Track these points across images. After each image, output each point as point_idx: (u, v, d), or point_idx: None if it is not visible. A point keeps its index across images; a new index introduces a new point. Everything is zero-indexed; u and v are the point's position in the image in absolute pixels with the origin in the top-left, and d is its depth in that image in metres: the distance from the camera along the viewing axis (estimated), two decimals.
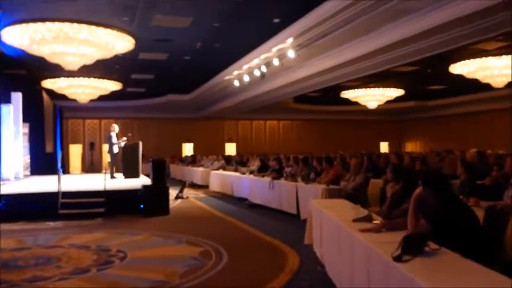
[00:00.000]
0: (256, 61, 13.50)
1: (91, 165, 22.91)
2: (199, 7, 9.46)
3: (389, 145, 26.82)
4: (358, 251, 3.61)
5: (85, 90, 16.24)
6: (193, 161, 20.04)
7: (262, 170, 12.05)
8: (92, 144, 23.02)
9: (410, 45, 10.42)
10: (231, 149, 25.33)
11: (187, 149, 25.18)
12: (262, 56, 12.98)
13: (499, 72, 13.63)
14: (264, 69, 13.38)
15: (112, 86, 16.95)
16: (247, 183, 11.90)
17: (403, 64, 12.77)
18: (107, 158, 23.62)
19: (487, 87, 14.94)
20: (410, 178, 4.29)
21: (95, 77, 15.84)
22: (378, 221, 4.16)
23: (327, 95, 20.50)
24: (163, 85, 18.98)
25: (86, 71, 13.87)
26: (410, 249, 2.89)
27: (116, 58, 12.51)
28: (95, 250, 6.57)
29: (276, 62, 12.47)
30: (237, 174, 13.34)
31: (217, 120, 25.07)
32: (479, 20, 8.43)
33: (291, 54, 11.64)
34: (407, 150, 23.59)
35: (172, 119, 23.97)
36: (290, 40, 11.25)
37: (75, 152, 23.74)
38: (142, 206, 9.70)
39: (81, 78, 15.56)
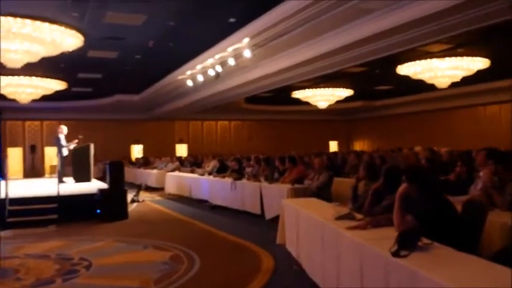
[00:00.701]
0: (210, 61, 13.39)
1: (32, 169, 21.88)
2: (153, 5, 9.23)
3: (338, 144, 27.45)
4: (347, 248, 3.65)
5: (26, 89, 15.35)
6: (145, 163, 19.62)
7: (220, 171, 11.98)
8: (33, 147, 21.98)
9: (364, 47, 10.65)
10: (181, 150, 25.02)
11: (137, 151, 24.62)
12: (217, 56, 12.90)
13: (442, 73, 14.26)
14: (219, 69, 13.29)
15: (56, 85, 16.13)
16: (207, 185, 11.78)
17: (354, 65, 13.12)
18: (49, 162, 22.83)
19: (431, 87, 15.57)
20: (391, 175, 4.38)
21: (37, 76, 15.06)
22: (359, 218, 4.24)
23: (278, 95, 20.68)
24: (112, 85, 18.42)
25: (28, 69, 13.11)
26: (407, 245, 2.97)
27: (62, 56, 11.94)
28: (55, 259, 6.21)
29: (231, 61, 12.41)
30: (195, 175, 13.17)
31: (168, 121, 24.68)
32: (432, 23, 8.76)
33: (247, 54, 11.62)
34: (355, 149, 24.23)
35: (120, 120, 23.33)
36: (246, 40, 11.24)
37: (15, 155, 22.56)
38: (99, 210, 9.34)
39: (21, 77, 14.70)
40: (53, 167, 22.83)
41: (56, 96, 17.72)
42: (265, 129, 26.38)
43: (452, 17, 8.19)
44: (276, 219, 8.23)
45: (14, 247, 7.10)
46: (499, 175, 4.51)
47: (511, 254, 2.99)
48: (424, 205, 3.52)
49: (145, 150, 24.12)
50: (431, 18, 8.36)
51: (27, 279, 5.29)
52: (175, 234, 7.97)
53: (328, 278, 4.18)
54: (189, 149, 24.83)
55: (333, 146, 27.34)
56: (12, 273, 5.53)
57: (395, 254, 2.88)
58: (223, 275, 5.38)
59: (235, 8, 9.59)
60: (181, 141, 25.38)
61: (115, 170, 9.76)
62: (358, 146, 26.23)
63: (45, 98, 17.08)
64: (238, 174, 10.39)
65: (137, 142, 24.57)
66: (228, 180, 10.48)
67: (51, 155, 22.85)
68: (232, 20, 10.28)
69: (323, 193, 7.63)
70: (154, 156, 21.43)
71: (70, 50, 11.29)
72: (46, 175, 21.86)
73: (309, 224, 4.82)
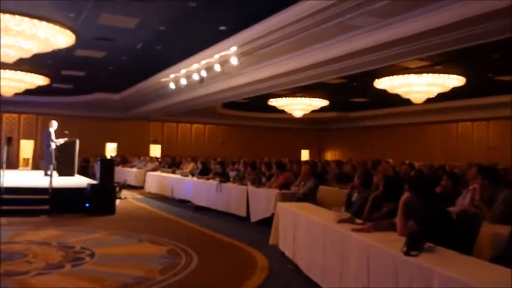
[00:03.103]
0: (196, 66, 13.61)
1: (7, 161, 21.46)
2: (149, 9, 9.43)
3: (310, 153, 28.02)
4: (354, 249, 4.00)
5: (10, 83, 15.27)
6: (123, 161, 19.59)
7: (203, 173, 12.21)
8: (9, 139, 21.55)
9: (346, 62, 11.08)
10: (155, 150, 25.02)
11: (111, 149, 24.49)
12: (204, 61, 13.13)
13: (419, 89, 14.89)
14: (203, 73, 13.50)
15: (40, 81, 16.09)
16: (191, 186, 11.98)
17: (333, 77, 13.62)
18: (24, 154, 22.51)
19: (406, 102, 16.20)
20: (390, 184, 4.78)
21: (22, 71, 14.96)
22: (359, 222, 4.61)
23: (254, 102, 21.02)
24: (93, 83, 18.35)
25: (15, 63, 13.08)
26: (415, 246, 3.34)
27: (51, 53, 11.99)
28: (58, 247, 6.45)
29: (217, 67, 12.62)
30: (178, 176, 13.35)
31: (143, 121, 24.67)
32: (413, 42, 9.28)
33: (234, 61, 11.86)
34: (327, 158, 24.80)
35: (96, 118, 23.17)
36: (234, 48, 11.52)
37: None
38: (87, 204, 9.54)
39: (7, 70, 14.61)
40: (26, 160, 22.60)
41: (35, 90, 17.58)
42: (239, 135, 26.70)
43: (432, 38, 8.72)
44: (260, 222, 8.61)
45: (14, 234, 7.29)
46: (485, 189, 4.98)
47: (505, 260, 3.38)
48: (425, 212, 3.91)
49: (119, 149, 24.03)
50: (412, 38, 8.88)
51: (38, 262, 5.53)
52: (166, 230, 8.19)
53: (329, 277, 4.51)
54: (163, 150, 24.88)
55: (305, 154, 27.88)
56: (20, 257, 5.76)
57: (407, 254, 3.25)
58: (221, 270, 5.65)
59: (227, 17, 9.86)
60: (155, 142, 25.39)
61: (106, 167, 10.02)
62: (330, 156, 26.84)
63: (24, 91, 16.94)
64: (223, 177, 10.65)
65: (112, 140, 24.45)
66: (213, 182, 10.72)
67: (26, 148, 22.64)
68: (222, 28, 10.56)
69: (308, 199, 7.99)
70: (129, 155, 21.45)
71: (61, 47, 11.35)
72: (20, 167, 21.71)
73: (309, 226, 5.16)
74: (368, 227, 4.27)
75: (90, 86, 19.18)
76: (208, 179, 11.40)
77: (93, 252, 6.17)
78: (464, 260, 3.17)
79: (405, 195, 4.08)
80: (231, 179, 10.47)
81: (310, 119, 24.15)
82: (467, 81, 14.17)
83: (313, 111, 21.66)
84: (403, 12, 8.28)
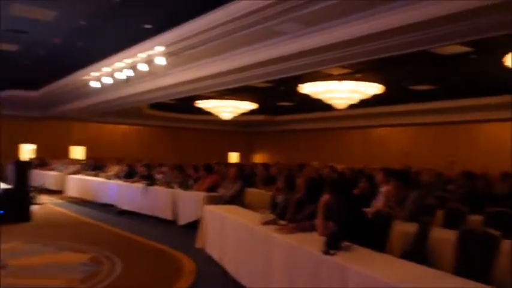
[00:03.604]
0: (120, 64, 13.28)
1: None
2: (68, 2, 9.04)
3: (238, 155, 28.21)
4: (278, 249, 4.14)
5: None
6: (42, 163, 18.64)
7: (129, 176, 11.94)
8: None
9: (272, 66, 11.32)
10: (78, 152, 24.03)
11: (27, 151, 23.16)
12: (128, 60, 12.85)
13: (341, 95, 15.51)
14: (129, 72, 13.19)
15: None
16: (115, 189, 11.65)
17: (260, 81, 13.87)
18: None
19: (329, 107, 16.81)
20: (312, 187, 4.98)
21: None
22: (283, 224, 4.77)
23: (181, 103, 20.86)
24: (5, 79, 17.23)
25: None
26: (334, 245, 3.53)
27: None
28: None
29: (142, 67, 12.37)
30: (101, 179, 12.92)
31: (64, 121, 23.55)
32: (335, 51, 9.68)
33: (161, 61, 11.71)
34: (255, 161, 25.14)
35: (10, 117, 21.80)
36: (160, 48, 11.38)
37: None
38: (2, 211, 8.92)
39: None
40: None
41: None
42: (166, 137, 26.33)
43: (353, 47, 9.16)
44: (187, 226, 8.59)
45: None
46: (398, 191, 5.33)
47: (413, 256, 3.66)
48: (343, 213, 4.13)
49: (38, 151, 22.81)
50: (335, 46, 9.26)
51: None
52: (87, 237, 7.94)
53: (255, 279, 4.62)
54: (88, 152, 23.95)
55: (233, 157, 28.05)
56: None
57: (326, 253, 3.43)
58: (147, 275, 5.59)
59: (152, 15, 9.71)
60: (77, 143, 24.39)
61: (21, 170, 9.42)
62: (258, 158, 27.20)
63: None
64: (149, 180, 10.49)
65: (28, 141, 23.15)
66: (139, 185, 10.53)
67: None
68: (147, 26, 10.40)
69: (235, 202, 8.09)
70: (48, 157, 20.43)
71: None
72: None
73: (236, 229, 5.25)
74: (291, 228, 4.44)
75: (1, 83, 18.00)
76: (133, 182, 11.17)
77: (6, 263, 5.80)
78: (377, 257, 3.40)
79: (325, 197, 4.28)
80: (158, 182, 10.33)
81: (239, 122, 24.34)
82: (386, 89, 14.96)
83: (242, 114, 21.87)
84: (326, 21, 8.60)
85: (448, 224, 5.17)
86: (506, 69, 10.85)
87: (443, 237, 4.25)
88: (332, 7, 7.75)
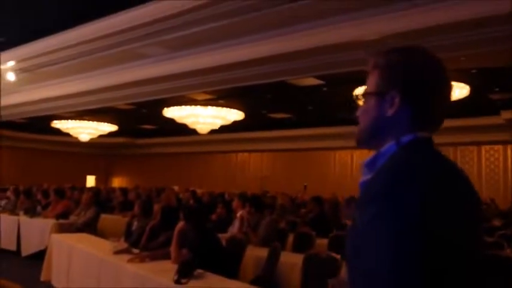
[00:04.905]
0: None
1: None
2: None
3: (96, 179, 26.80)
4: (129, 280, 3.97)
5: None
6: None
7: None
8: None
9: (134, 89, 11.14)
10: None
11: None
12: None
13: (204, 120, 15.74)
14: None
15: None
16: None
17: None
18: None
19: (193, 131, 16.92)
20: (167, 214, 4.90)
21: None
22: (136, 252, 4.61)
23: (35, 123, 19.35)
24: None
25: None
26: (185, 274, 3.50)
27: None
28: None
29: None
30: None
31: None
32: (198, 77, 9.84)
33: (11, 77, 10.82)
34: (114, 185, 24.11)
35: None
36: (11, 63, 10.51)
37: None
38: None
39: None
40: None
41: None
42: (16, 158, 24.04)
43: (215, 74, 9.40)
44: (33, 257, 7.86)
45: None
46: (252, 216, 5.50)
47: (264, 281, 3.79)
48: (198, 240, 4.13)
49: None
50: (198, 72, 9.43)
51: None
52: None
53: None
54: None
55: (91, 180, 26.59)
56: None
57: (178, 282, 3.38)
58: None
59: (6, 27, 8.99)
60: None
61: None
62: (117, 182, 26.15)
63: None
64: None
65: None
66: None
67: None
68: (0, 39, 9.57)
69: (89, 229, 7.65)
70: None
71: None
72: None
73: (84, 259, 4.93)
74: (143, 256, 4.30)
75: None
76: None
77: None
78: (228, 284, 3.44)
79: (180, 224, 4.25)
80: (0, 209, 9.34)
81: (98, 144, 23.25)
82: (245, 115, 15.54)
83: (101, 136, 20.97)
84: (191, 47, 8.72)
85: (297, 248, 5.45)
86: (355, 101, 11.99)
87: (292, 261, 4.46)
88: (196, 34, 7.88)
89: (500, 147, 15.40)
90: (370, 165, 1.14)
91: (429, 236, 0.90)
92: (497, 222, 7.88)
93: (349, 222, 6.95)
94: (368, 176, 1.10)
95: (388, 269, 0.90)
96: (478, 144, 15.43)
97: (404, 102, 1.12)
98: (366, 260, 0.94)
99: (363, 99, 1.23)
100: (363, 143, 1.22)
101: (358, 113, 1.23)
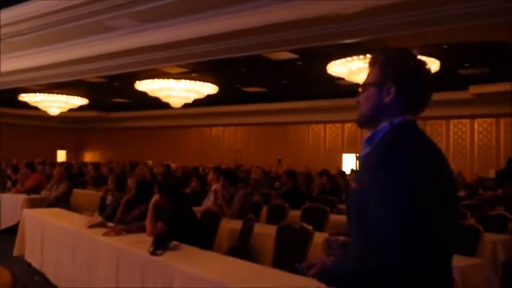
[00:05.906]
0: None
1: None
2: None
3: (67, 154, 26.37)
4: (103, 253, 3.98)
5: None
6: None
7: None
8: None
9: (105, 62, 10.93)
10: None
11: None
12: None
13: (177, 93, 15.60)
14: None
15: None
16: None
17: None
18: None
19: (166, 105, 16.78)
20: (142, 187, 4.91)
21: None
22: (111, 226, 4.61)
23: (1, 96, 18.80)
24: None
25: None
26: (161, 245, 3.54)
27: None
28: None
29: None
30: None
31: None
32: (171, 49, 9.69)
33: None
34: (86, 160, 23.80)
35: None
36: None
37: None
38: None
39: None
40: None
41: None
42: None
43: (188, 47, 9.29)
44: (6, 231, 7.76)
45: None
46: (227, 189, 5.56)
47: (238, 252, 3.87)
48: (173, 213, 4.16)
49: None
50: (170, 45, 9.29)
51: None
52: None
53: (78, 285, 4.38)
54: None
55: (61, 155, 26.16)
56: None
57: (153, 253, 3.42)
58: None
59: None
60: None
61: None
62: (89, 157, 25.82)
63: None
64: None
65: None
66: None
67: None
68: None
69: (61, 204, 7.58)
70: None
71: None
72: None
73: (58, 234, 4.91)
74: (119, 229, 4.31)
75: None
76: None
77: None
78: (203, 255, 3.50)
79: (155, 198, 4.26)
80: None
81: (68, 118, 22.84)
82: (219, 89, 15.45)
83: (72, 110, 20.59)
84: (162, 19, 8.57)
85: (271, 220, 5.55)
86: (329, 76, 12.08)
87: (266, 231, 4.55)
88: (168, 6, 7.75)
89: (467, 121, 15.80)
90: (368, 141, 1.47)
91: (416, 192, 1.26)
92: (462, 193, 8.17)
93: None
94: (367, 150, 1.45)
95: (391, 214, 1.26)
96: (447, 118, 15.78)
97: (398, 92, 1.43)
98: (375, 209, 1.29)
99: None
100: (363, 124, 1.55)
101: (359, 99, 1.53)
